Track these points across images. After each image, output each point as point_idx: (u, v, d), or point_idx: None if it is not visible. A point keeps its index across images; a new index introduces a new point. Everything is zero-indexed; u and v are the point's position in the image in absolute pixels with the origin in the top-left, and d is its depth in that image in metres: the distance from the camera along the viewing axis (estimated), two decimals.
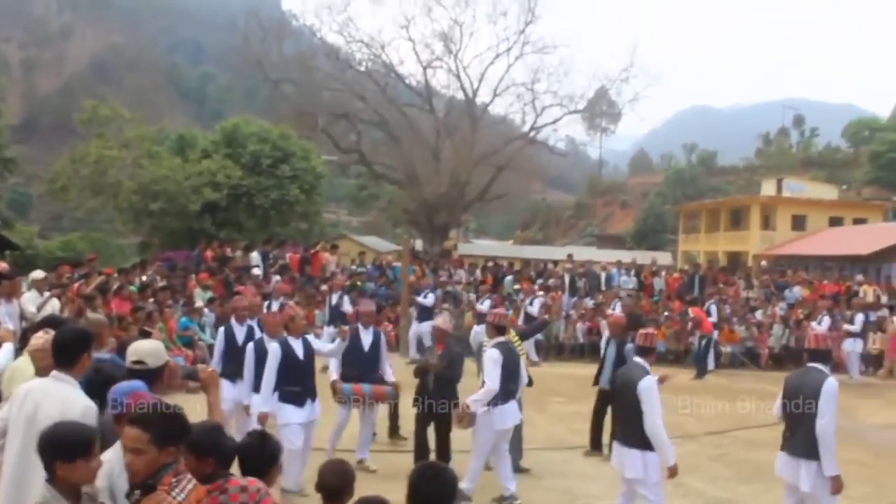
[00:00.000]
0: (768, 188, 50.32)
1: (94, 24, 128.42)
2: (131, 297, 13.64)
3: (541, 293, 20.10)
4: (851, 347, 17.81)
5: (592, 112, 42.63)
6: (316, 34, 37.91)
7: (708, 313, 18.47)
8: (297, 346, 7.73)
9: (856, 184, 66.07)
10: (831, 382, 6.05)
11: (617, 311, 17.52)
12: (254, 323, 9.10)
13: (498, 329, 7.91)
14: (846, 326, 18.02)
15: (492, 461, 7.95)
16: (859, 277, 23.95)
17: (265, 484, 3.52)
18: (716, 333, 18.56)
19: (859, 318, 17.99)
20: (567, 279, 22.03)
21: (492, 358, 7.49)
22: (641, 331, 6.90)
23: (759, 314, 20.65)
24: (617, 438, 6.62)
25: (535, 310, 18.52)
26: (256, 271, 18.30)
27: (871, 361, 19.14)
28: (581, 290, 21.37)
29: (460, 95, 37.63)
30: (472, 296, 20.42)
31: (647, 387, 6.21)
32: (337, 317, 15.83)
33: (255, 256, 19.92)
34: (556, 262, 25.65)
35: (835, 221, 41.15)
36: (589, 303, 20.71)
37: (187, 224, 27.06)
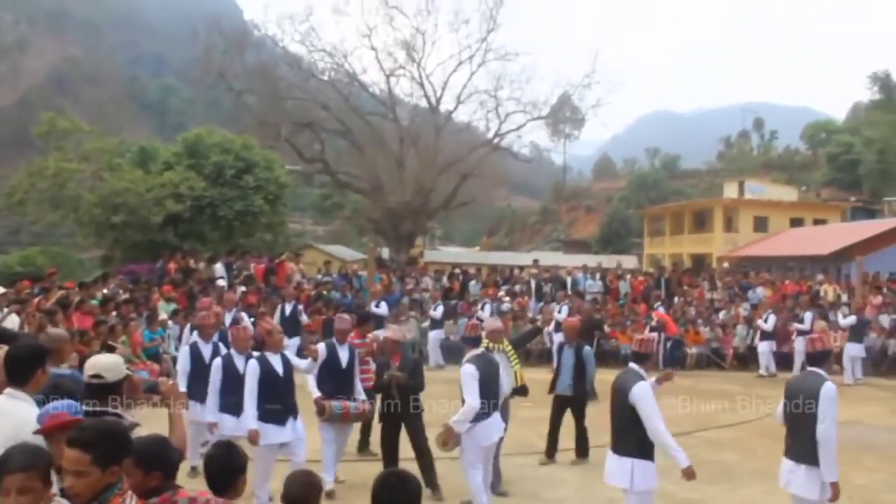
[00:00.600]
0: (730, 191, 51.01)
1: (52, 37, 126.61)
2: (93, 311, 13.41)
3: (506, 298, 20.19)
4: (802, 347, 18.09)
5: (556, 118, 42.79)
6: (278, 44, 37.70)
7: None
8: (276, 362, 7.40)
9: (815, 185, 67.15)
10: (829, 386, 6.01)
11: (563, 314, 17.66)
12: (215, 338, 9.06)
13: (473, 342, 7.66)
14: (796, 325, 18.31)
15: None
16: (820, 277, 24.31)
17: (230, 495, 3.46)
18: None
19: (808, 316, 18.27)
20: (533, 284, 22.11)
21: (467, 373, 7.19)
22: (638, 336, 6.72)
23: (722, 315, 20.83)
24: (611, 447, 6.35)
25: (486, 314, 18.56)
26: (221, 282, 18.10)
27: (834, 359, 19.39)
28: (547, 296, 21.43)
29: (424, 103, 37.73)
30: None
31: (641, 392, 6.00)
32: (290, 328, 15.80)
33: (218, 268, 19.71)
34: (521, 268, 25.70)
35: (795, 222, 41.83)
36: (555, 307, 20.75)
37: (150, 236, 26.74)
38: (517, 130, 38.51)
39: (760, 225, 41.77)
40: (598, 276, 23.06)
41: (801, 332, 18.01)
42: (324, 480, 7.62)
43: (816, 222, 42.06)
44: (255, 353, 7.71)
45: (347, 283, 20.99)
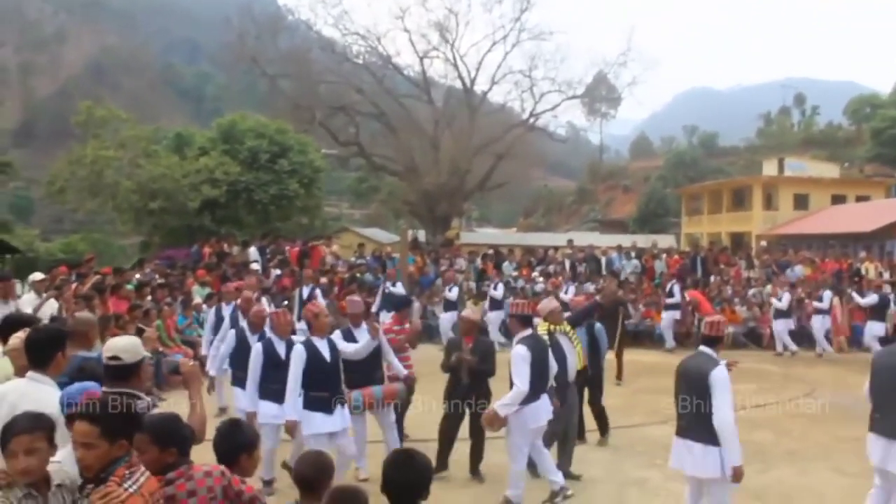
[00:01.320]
0: (770, 168, 50.15)
1: (89, 27, 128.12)
2: (128, 295, 13.59)
3: (540, 279, 20.12)
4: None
5: (591, 97, 42.45)
6: (311, 28, 37.80)
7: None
8: (323, 347, 7.06)
9: (858, 161, 65.81)
10: None
11: (570, 294, 17.51)
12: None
13: (523, 321, 7.27)
14: (815, 304, 18.12)
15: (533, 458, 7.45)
16: (862, 254, 23.88)
17: (236, 472, 3.53)
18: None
19: (826, 295, 18.06)
20: (567, 264, 21.99)
21: (519, 355, 6.90)
22: (708, 318, 6.30)
23: (752, 292, 20.54)
24: (679, 434, 6.08)
25: (499, 294, 18.47)
26: (255, 266, 18.26)
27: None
28: (582, 276, 21.30)
29: (458, 85, 37.56)
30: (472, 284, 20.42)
31: (721, 377, 5.76)
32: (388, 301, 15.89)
33: (253, 252, 19.89)
34: (557, 248, 25.57)
35: (837, 199, 41.05)
36: (590, 288, 20.62)
37: (187, 222, 27.07)
38: (552, 110, 38.34)
39: (801, 202, 41.06)
40: (633, 255, 22.88)
41: (818, 311, 18.02)
42: (358, 470, 7.75)
43: (859, 199, 41.20)
44: (298, 338, 7.56)
45: (381, 265, 21.06)
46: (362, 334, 7.77)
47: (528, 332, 7.20)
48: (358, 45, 37.17)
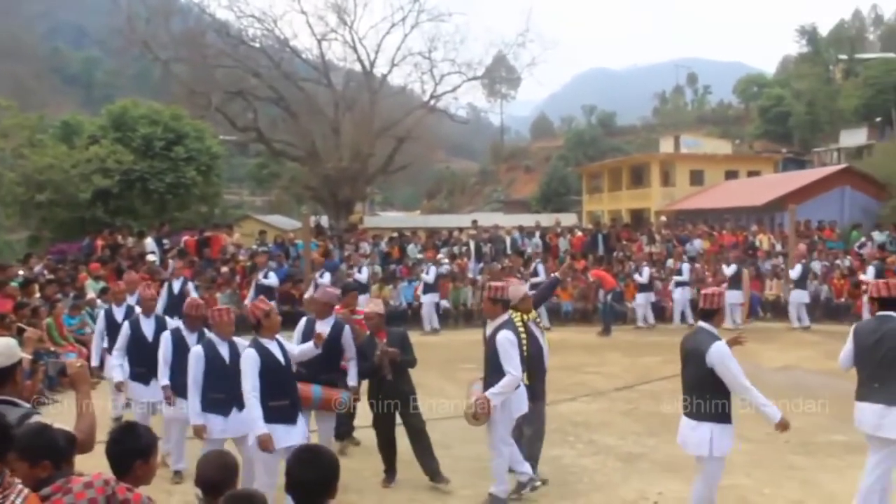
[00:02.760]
0: (666, 146, 51.61)
1: None
2: (13, 293, 12.88)
3: (445, 260, 20.12)
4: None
5: (491, 78, 42.59)
6: (205, 11, 36.62)
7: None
8: (276, 350, 6.28)
9: (748, 138, 68.37)
10: None
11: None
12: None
13: (503, 305, 6.92)
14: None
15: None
16: (754, 227, 24.74)
17: (130, 482, 3.23)
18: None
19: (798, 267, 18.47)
20: (472, 245, 22.05)
21: (508, 340, 6.58)
22: (704, 291, 6.22)
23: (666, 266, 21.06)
24: (685, 412, 6.02)
25: (430, 278, 18.51)
26: (151, 257, 17.63)
27: (767, 307, 19.79)
28: (487, 256, 21.39)
29: (357, 68, 37.03)
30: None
31: (719, 352, 5.67)
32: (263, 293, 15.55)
33: (149, 243, 19.23)
34: (461, 230, 25.64)
35: (730, 175, 42.51)
36: (496, 267, 20.75)
37: (78, 214, 25.88)
38: (453, 92, 38.15)
39: (696, 178, 42.31)
40: (536, 234, 23.11)
41: (679, 283, 19.06)
42: None
43: (750, 174, 42.73)
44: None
45: (284, 252, 20.65)
46: (326, 328, 7.21)
47: (507, 316, 6.89)
48: (254, 28, 36.22)
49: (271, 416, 6.02)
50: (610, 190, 47.98)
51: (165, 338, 7.59)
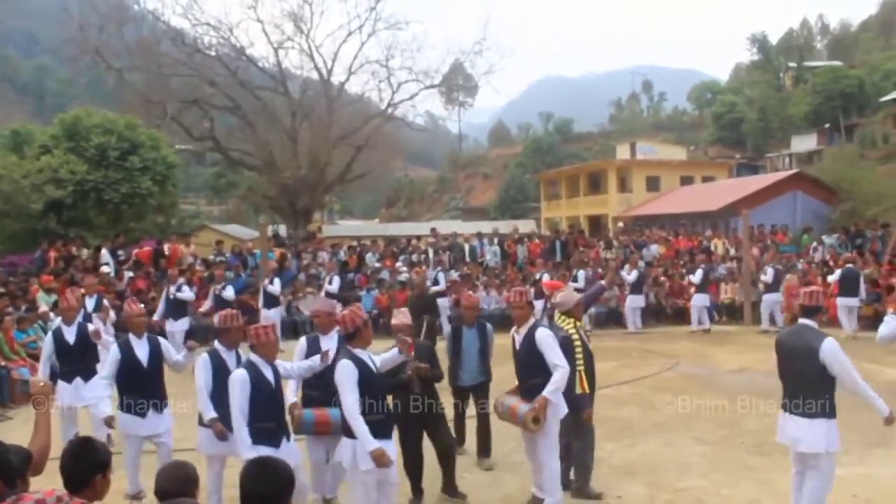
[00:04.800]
0: (623, 152, 52.22)
1: None
2: None
3: (403, 268, 20.12)
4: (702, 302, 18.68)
5: (449, 86, 42.80)
6: (159, 19, 36.22)
7: (575, 279, 18.88)
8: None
9: (702, 144, 69.54)
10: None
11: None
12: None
13: (531, 307, 6.87)
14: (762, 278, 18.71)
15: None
16: (709, 232, 25.14)
17: (87, 496, 3.19)
18: None
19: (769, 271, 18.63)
20: (431, 253, 22.07)
21: (549, 336, 6.51)
22: (805, 289, 6.19)
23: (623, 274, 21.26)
24: (789, 410, 5.97)
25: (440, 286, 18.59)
26: (106, 269, 17.37)
27: (724, 310, 20.08)
28: (445, 263, 21.44)
29: (314, 76, 36.97)
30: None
31: (832, 349, 5.68)
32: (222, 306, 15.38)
33: (104, 254, 18.94)
34: (420, 238, 25.66)
35: (686, 181, 43.14)
36: (454, 275, 20.79)
37: (30, 225, 25.36)
38: (411, 100, 38.24)
39: (653, 184, 42.87)
40: (494, 241, 23.22)
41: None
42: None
43: (705, 180, 43.43)
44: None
45: (241, 262, 20.49)
46: (329, 344, 6.67)
47: (534, 319, 6.77)
48: (209, 36, 35.96)
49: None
50: (568, 196, 48.38)
51: (204, 361, 6.40)
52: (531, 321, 6.70)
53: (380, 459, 5.45)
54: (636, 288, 19.23)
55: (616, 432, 9.44)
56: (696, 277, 18.59)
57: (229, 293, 16.25)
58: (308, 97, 36.90)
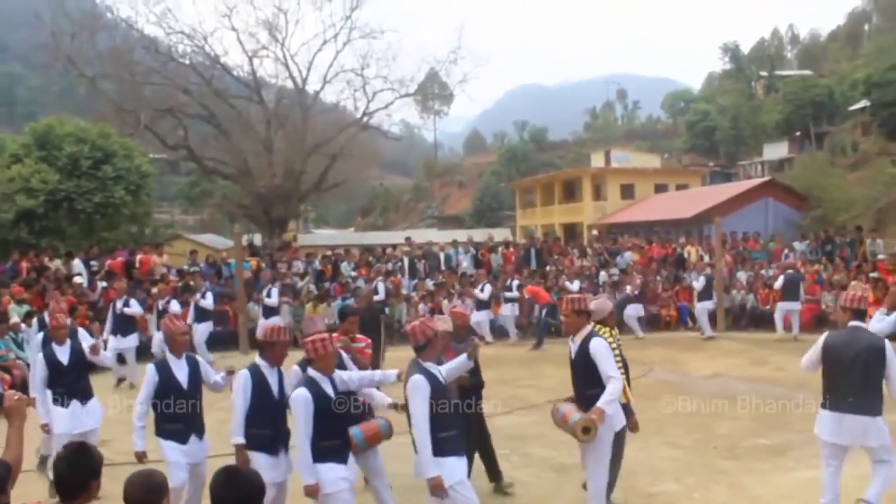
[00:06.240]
0: (597, 160, 52.57)
1: None
2: None
3: (379, 277, 20.10)
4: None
5: (424, 95, 42.83)
6: (133, 27, 36.02)
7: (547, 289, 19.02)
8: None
9: (676, 152, 70.17)
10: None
11: (487, 293, 17.94)
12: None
13: (586, 315, 6.54)
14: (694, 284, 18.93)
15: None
16: (682, 240, 25.34)
17: (82, 501, 3.26)
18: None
19: (701, 279, 18.84)
20: (406, 262, 22.09)
21: (605, 346, 6.28)
22: (850, 294, 6.36)
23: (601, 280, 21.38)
24: (847, 409, 6.05)
25: (485, 295, 18.83)
26: (79, 279, 17.23)
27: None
28: (420, 272, 21.47)
29: (289, 85, 36.93)
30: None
31: (891, 347, 5.97)
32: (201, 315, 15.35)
33: (76, 264, 18.78)
34: (394, 247, 25.69)
35: (660, 188, 43.45)
36: (429, 284, 20.84)
37: (1, 235, 25.12)
38: (386, 109, 38.31)
39: (627, 192, 43.15)
40: (470, 249, 23.28)
41: (508, 300, 19.20)
42: None
43: (679, 187, 43.75)
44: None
45: (216, 272, 20.39)
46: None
47: (590, 326, 6.55)
48: (184, 45, 35.81)
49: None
50: (543, 204, 48.59)
51: (244, 378, 5.90)
52: (586, 330, 6.44)
53: (435, 489, 5.27)
54: (637, 297, 19.30)
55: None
56: (699, 284, 18.66)
57: (208, 302, 16.11)
58: (283, 106, 36.85)
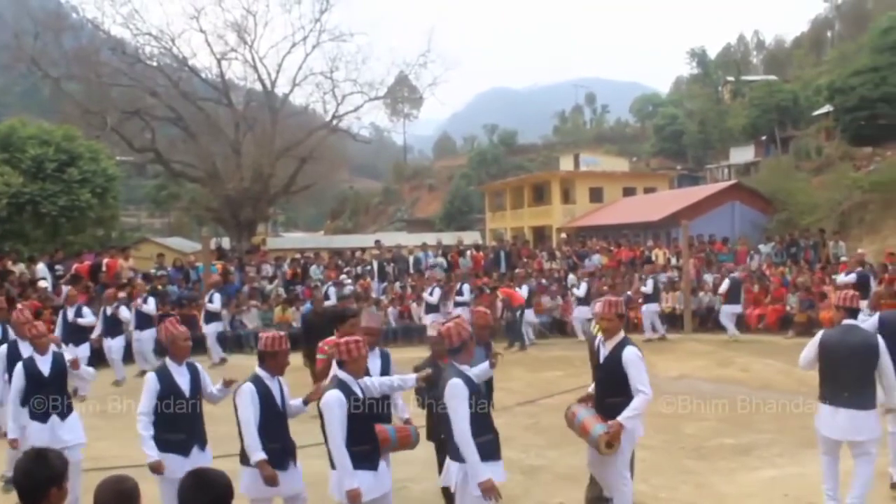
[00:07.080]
0: (566, 164, 52.85)
1: None
2: None
3: (348, 281, 20.08)
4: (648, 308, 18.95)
5: (394, 98, 42.86)
6: (99, 27, 35.61)
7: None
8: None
9: (644, 155, 70.76)
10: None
11: (436, 297, 17.78)
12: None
13: (621, 318, 6.43)
14: (641, 289, 19.19)
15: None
16: (650, 243, 25.57)
17: None
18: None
19: (650, 282, 19.11)
20: (376, 265, 22.08)
21: (637, 357, 6.16)
22: (841, 294, 6.55)
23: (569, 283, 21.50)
24: (843, 404, 6.23)
25: (582, 293, 19.05)
26: (43, 284, 17.01)
27: (664, 319, 20.41)
28: (390, 275, 21.47)
29: (258, 87, 36.72)
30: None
31: (882, 344, 6.28)
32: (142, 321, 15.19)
33: (40, 268, 18.53)
34: (363, 250, 25.65)
35: (628, 192, 43.77)
36: (398, 287, 20.86)
37: None
38: (355, 112, 38.22)
39: (596, 195, 43.39)
40: (439, 252, 23.32)
41: (458, 304, 18.63)
42: None
43: (647, 191, 44.10)
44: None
45: (183, 275, 20.24)
46: (374, 361, 6.35)
47: (623, 334, 6.43)
48: (151, 46, 35.45)
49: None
50: (512, 207, 48.75)
51: (249, 391, 5.70)
52: (620, 335, 6.36)
53: (488, 493, 5.14)
54: (585, 300, 19.36)
55: (559, 440, 9.53)
56: (648, 287, 18.89)
57: (150, 307, 15.73)
58: (252, 108, 36.65)
